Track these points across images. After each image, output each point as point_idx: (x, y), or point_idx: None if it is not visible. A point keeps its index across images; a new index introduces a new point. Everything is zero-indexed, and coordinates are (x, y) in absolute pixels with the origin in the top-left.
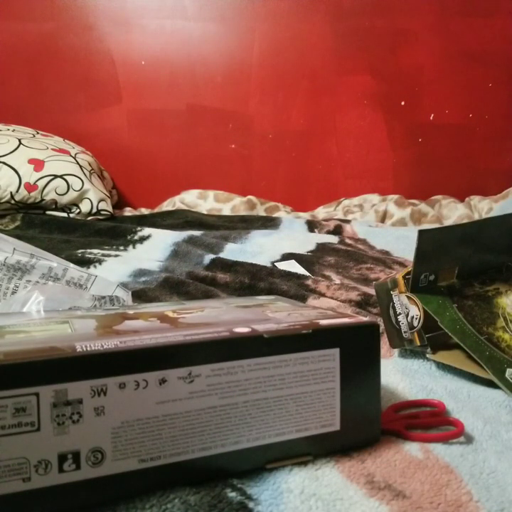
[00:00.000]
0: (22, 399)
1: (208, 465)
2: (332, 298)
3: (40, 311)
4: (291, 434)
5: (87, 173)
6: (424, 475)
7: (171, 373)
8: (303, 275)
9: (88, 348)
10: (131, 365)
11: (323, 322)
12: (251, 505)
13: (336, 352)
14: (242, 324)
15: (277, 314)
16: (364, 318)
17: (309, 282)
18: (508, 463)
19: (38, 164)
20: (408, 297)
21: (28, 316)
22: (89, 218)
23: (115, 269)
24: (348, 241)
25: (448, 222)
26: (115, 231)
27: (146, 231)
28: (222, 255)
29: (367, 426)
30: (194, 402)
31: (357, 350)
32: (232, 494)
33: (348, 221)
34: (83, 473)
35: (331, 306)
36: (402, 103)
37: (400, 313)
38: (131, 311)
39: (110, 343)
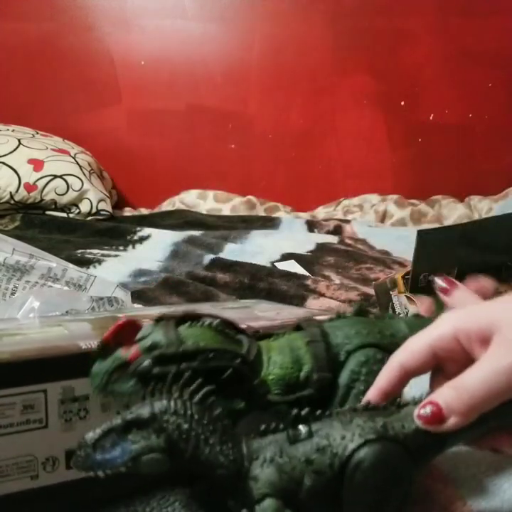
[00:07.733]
0: (30, 396)
1: None
2: (332, 298)
3: (34, 315)
4: None
5: (87, 173)
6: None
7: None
8: (302, 275)
9: (93, 346)
10: None
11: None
12: None
13: None
14: (238, 322)
15: (267, 313)
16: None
17: (309, 282)
18: (501, 465)
19: (37, 164)
20: (407, 297)
21: (19, 321)
22: (89, 218)
23: (115, 269)
24: (347, 241)
25: (448, 222)
26: (115, 231)
27: (146, 231)
28: (221, 255)
29: None
30: None
31: None
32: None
33: (347, 221)
34: None
35: (330, 306)
36: (402, 103)
37: (399, 313)
38: (121, 315)
39: None
